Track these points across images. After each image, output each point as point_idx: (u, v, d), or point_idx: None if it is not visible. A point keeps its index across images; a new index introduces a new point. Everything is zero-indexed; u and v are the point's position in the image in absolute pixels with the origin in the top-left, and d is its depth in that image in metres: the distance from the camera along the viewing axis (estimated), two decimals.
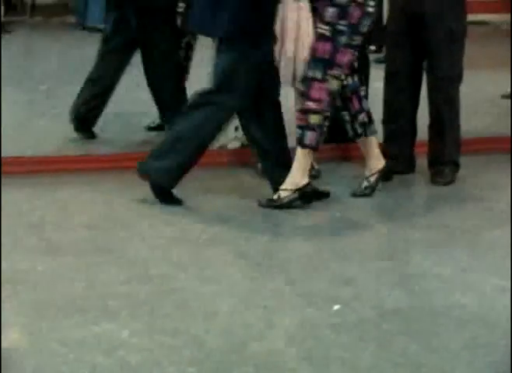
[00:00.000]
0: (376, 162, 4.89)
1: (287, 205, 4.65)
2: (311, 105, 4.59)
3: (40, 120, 6.15)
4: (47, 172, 5.20)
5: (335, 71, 4.58)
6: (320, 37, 4.56)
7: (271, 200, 4.69)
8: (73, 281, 3.77)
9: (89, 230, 4.40)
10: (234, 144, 5.58)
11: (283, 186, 4.68)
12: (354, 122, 4.84)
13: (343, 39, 4.54)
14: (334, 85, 4.59)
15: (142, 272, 3.90)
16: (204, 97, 4.85)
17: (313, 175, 5.13)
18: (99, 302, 3.59)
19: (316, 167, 5.18)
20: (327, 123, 4.65)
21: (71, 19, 8.98)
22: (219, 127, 4.89)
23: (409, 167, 5.25)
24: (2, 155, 5.09)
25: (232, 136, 5.61)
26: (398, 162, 5.09)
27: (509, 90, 7.09)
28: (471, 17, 8.71)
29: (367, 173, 4.85)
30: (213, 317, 3.55)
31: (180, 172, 4.75)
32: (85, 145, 5.68)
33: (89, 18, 8.57)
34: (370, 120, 4.89)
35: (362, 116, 4.84)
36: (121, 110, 6.35)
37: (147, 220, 4.59)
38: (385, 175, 4.95)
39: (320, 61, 4.55)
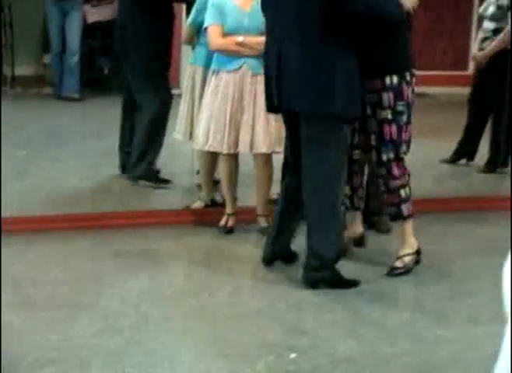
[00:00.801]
0: (357, 229, 4.90)
1: (412, 267, 4.61)
2: (398, 182, 4.53)
3: (19, 182, 6.09)
4: (24, 230, 5.16)
5: (404, 148, 4.55)
6: (383, 121, 4.45)
7: (397, 268, 4.60)
8: (47, 334, 3.73)
9: (63, 285, 4.36)
10: (198, 204, 5.56)
11: (404, 253, 4.60)
12: (354, 195, 4.76)
13: (404, 118, 4.48)
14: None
15: (114, 324, 3.87)
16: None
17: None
18: (72, 353, 3.57)
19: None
20: None
21: (48, 90, 8.97)
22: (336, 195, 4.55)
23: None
24: None
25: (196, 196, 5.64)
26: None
27: (448, 155, 7.23)
28: None
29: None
30: (179, 365, 3.57)
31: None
32: (59, 205, 5.64)
33: (64, 89, 8.53)
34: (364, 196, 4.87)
35: (361, 192, 4.81)
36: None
37: (117, 275, 4.55)
38: (360, 240, 4.96)
39: (390, 143, 4.48)
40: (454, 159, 7.26)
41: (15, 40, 8.96)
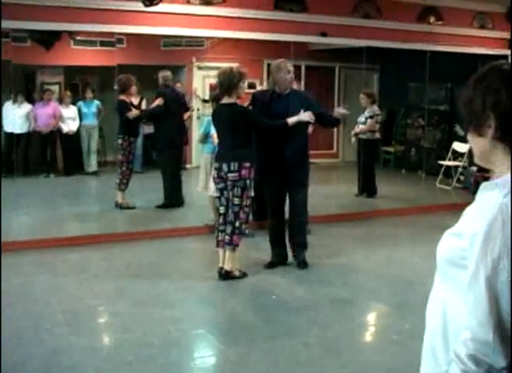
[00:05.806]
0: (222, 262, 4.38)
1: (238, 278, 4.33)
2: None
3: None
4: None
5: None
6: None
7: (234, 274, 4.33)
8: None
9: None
10: (210, 222, 5.62)
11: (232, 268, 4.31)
12: (218, 237, 4.40)
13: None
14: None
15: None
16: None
17: (249, 235, 5.28)
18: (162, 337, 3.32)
19: (250, 231, 5.39)
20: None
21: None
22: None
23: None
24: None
25: (210, 218, 5.68)
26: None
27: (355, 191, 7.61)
28: None
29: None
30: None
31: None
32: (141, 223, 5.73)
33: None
34: None
35: (221, 236, 4.38)
36: None
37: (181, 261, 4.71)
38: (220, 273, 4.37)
39: (236, 206, 4.32)
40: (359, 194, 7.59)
41: (108, 140, 9.20)
